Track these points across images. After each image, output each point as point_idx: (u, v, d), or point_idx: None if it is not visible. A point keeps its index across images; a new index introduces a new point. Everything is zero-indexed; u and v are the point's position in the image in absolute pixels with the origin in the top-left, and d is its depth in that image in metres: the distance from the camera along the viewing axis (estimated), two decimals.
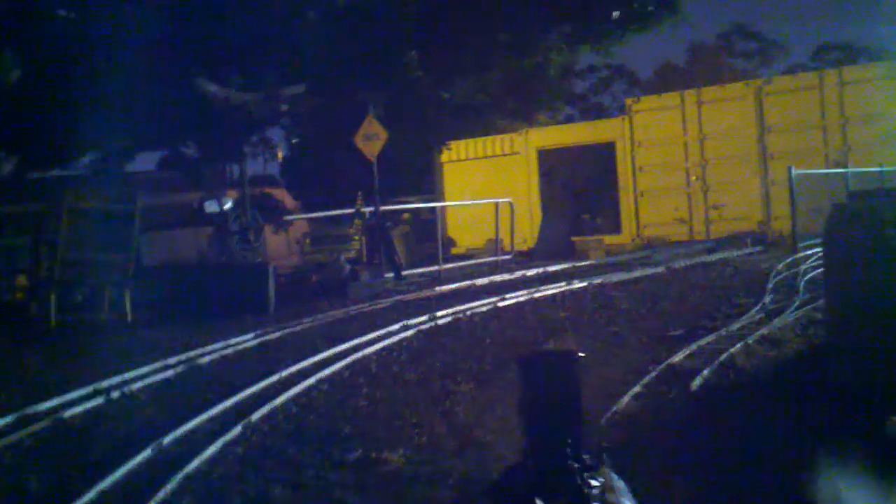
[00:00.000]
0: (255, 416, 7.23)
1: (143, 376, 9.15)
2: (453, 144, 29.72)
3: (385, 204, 21.81)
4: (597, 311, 11.66)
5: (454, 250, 28.48)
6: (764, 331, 9.29)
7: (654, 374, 7.80)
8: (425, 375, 8.60)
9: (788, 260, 15.42)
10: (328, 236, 24.18)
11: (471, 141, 29.64)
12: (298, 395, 8.00)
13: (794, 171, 18.30)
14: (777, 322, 9.73)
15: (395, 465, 5.92)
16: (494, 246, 23.52)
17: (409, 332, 10.84)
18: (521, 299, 13.30)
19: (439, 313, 12.07)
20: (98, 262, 13.38)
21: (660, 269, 16.14)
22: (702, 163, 25.90)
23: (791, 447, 5.65)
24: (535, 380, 3.54)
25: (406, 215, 26.14)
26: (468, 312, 12.22)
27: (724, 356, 8.22)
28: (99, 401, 8.16)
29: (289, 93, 18.20)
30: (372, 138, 17.32)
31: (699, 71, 45.46)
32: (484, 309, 12.52)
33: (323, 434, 6.77)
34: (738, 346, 8.62)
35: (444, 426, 6.82)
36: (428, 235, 26.99)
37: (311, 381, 8.50)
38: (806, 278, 12.85)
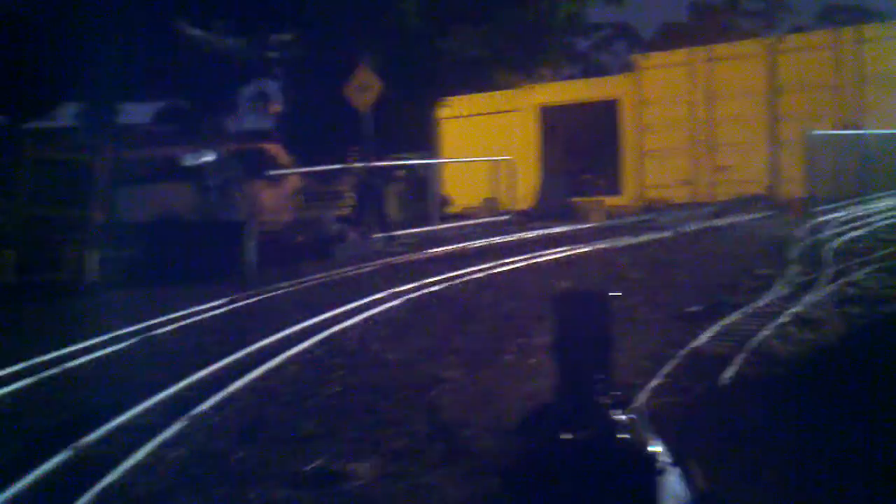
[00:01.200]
0: (204, 406, 5.99)
1: (89, 350, 7.90)
2: (453, 100, 28.29)
3: (381, 160, 20.56)
4: (603, 281, 10.36)
5: (450, 209, 27.21)
6: (796, 308, 8.02)
7: (675, 361, 6.53)
8: (410, 356, 7.34)
9: (807, 226, 14.09)
10: (322, 192, 22.89)
11: (471, 96, 28.14)
12: (260, 379, 6.75)
13: (811, 133, 16.86)
14: (809, 298, 8.45)
15: (361, 480, 4.66)
16: (492, 206, 22.25)
17: (396, 302, 9.57)
18: (520, 265, 12.01)
19: (430, 280, 10.80)
20: (57, 218, 12.07)
21: (668, 234, 14.83)
22: (709, 123, 24.50)
23: (865, 464, 4.41)
24: (567, 317, 3.43)
25: (402, 172, 24.78)
26: (462, 279, 10.95)
27: (755, 340, 6.95)
28: (27, 381, 6.90)
29: (276, 40, 16.80)
30: (364, 89, 15.96)
31: (703, 30, 43.86)
32: (479, 276, 11.23)
33: (281, 433, 5.52)
34: (770, 327, 7.34)
35: (426, 424, 5.57)
36: (424, 193, 25.81)
37: (279, 359, 7.25)
38: (831, 247, 11.54)
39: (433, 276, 11.07)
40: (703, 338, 7.21)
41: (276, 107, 41.39)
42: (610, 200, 24.50)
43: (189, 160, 14.41)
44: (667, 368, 6.32)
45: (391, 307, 9.34)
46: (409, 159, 24.92)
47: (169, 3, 15.52)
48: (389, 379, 6.66)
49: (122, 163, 14.76)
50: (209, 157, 14.47)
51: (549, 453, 3.22)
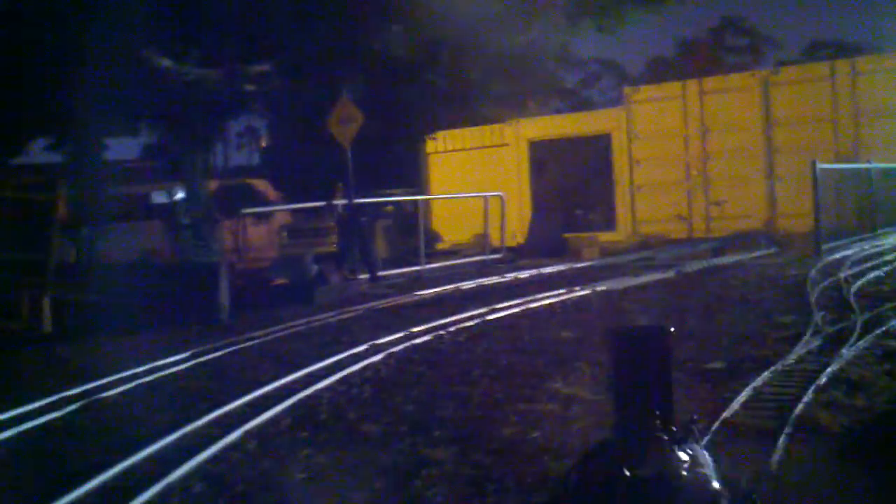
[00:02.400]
0: (138, 501, 4.76)
1: (21, 419, 6.67)
2: (440, 134, 27.27)
3: (368, 196, 19.53)
4: (607, 332, 9.17)
5: (439, 245, 26.14)
6: (834, 367, 6.85)
7: (706, 437, 5.33)
8: (390, 429, 6.11)
9: (819, 265, 12.97)
10: (305, 231, 21.81)
11: (459, 131, 27.10)
12: (212, 461, 5.53)
13: (819, 166, 15.81)
14: (846, 353, 7.28)
15: None
16: (482, 243, 21.09)
17: (378, 357, 8.35)
18: (515, 311, 10.81)
19: (416, 329, 9.60)
20: (13, 261, 10.85)
21: (670, 274, 13.68)
22: (703, 156, 23.49)
23: None
24: (626, 353, 3.15)
25: (389, 207, 23.67)
26: (451, 328, 9.73)
27: (798, 409, 5.77)
28: None
29: (254, 71, 15.65)
30: (346, 122, 14.80)
31: (690, 65, 43.13)
32: (470, 324, 10.02)
33: None
34: (811, 391, 6.17)
35: None
36: (412, 229, 24.94)
37: (237, 434, 6.03)
38: (853, 289, 10.40)
39: (420, 324, 9.88)
40: (735, 405, 6.02)
41: (265, 141, 40.36)
42: (603, 236, 23.42)
43: (160, 197, 13.20)
44: None
45: (372, 364, 8.11)
46: (396, 195, 23.86)
47: (138, 31, 14.35)
48: (365, 460, 5.44)
49: (89, 200, 13.61)
50: (180, 195, 13.25)
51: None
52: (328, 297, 13.38)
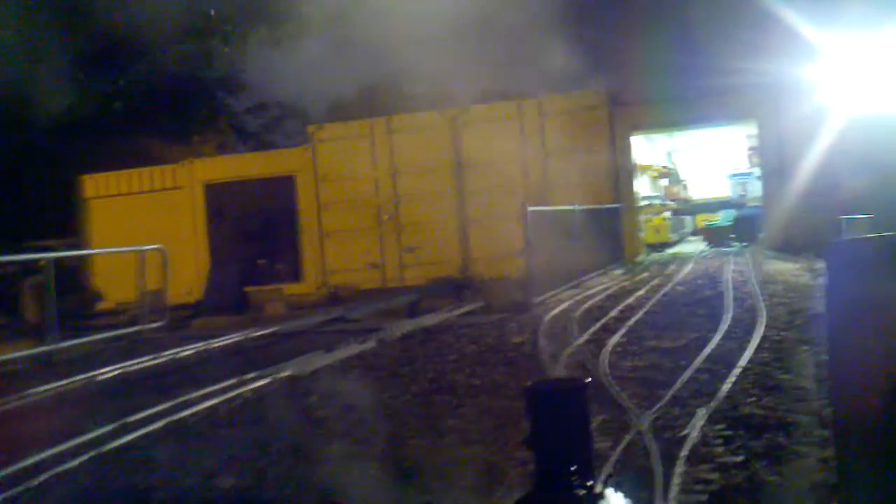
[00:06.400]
0: None
1: None
2: (101, 176, 22.68)
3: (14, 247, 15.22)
4: (293, 466, 5.69)
5: (101, 305, 21.62)
6: None
7: None
8: None
9: (542, 328, 10.40)
10: None
11: (123, 172, 22.61)
12: None
13: (529, 209, 13.50)
14: None
15: None
16: (150, 300, 16.88)
17: None
18: (157, 425, 7.00)
19: None
20: None
21: (371, 345, 10.49)
22: (394, 199, 20.96)
23: None
24: (543, 409, 2.93)
25: (42, 262, 18.73)
26: (46, 476, 5.81)
27: None
28: None
29: None
30: None
31: (372, 109, 41.24)
32: (82, 459, 6.13)
33: None
34: None
35: None
36: (73, 286, 20.54)
37: None
38: (606, 369, 7.74)
39: (5, 467, 5.88)
40: None
41: None
42: (290, 288, 20.11)
43: None
44: None
45: None
46: (51, 247, 19.12)
47: None
48: None
49: None
50: None
51: None
52: None
